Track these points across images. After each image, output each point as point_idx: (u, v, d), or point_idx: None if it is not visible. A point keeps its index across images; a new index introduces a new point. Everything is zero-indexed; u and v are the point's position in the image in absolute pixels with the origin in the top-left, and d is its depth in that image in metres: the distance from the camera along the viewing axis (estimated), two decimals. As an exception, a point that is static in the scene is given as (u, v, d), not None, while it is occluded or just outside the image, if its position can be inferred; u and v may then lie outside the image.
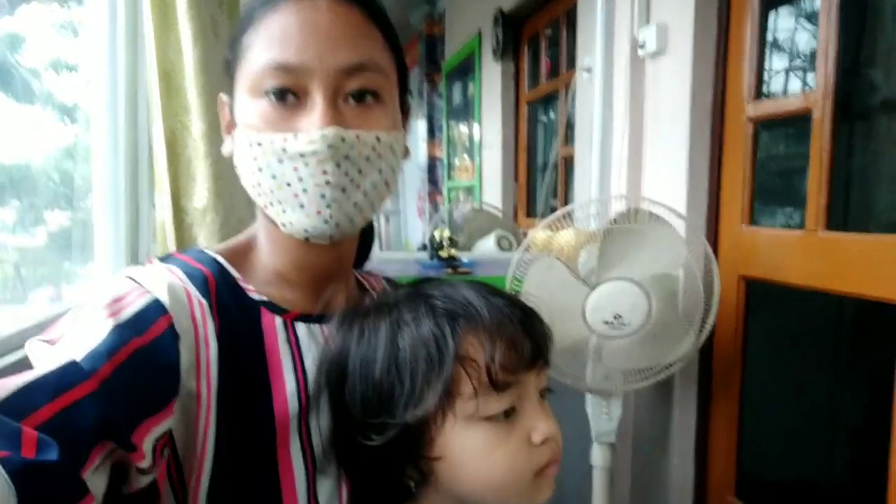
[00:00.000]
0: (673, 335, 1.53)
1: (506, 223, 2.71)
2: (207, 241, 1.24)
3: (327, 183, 0.61)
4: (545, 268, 1.53)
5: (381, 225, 4.84)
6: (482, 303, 0.61)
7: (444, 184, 4.62)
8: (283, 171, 0.61)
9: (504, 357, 0.58)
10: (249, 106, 0.63)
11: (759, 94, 1.69)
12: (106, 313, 0.56)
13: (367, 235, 0.85)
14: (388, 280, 0.84)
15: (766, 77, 1.74)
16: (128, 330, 0.55)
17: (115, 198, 1.23)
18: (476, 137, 3.85)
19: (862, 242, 1.41)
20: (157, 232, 1.26)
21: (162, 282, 0.61)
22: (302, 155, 0.60)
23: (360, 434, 0.60)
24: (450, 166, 4.56)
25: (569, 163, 2.78)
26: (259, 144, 0.62)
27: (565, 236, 1.94)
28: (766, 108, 1.66)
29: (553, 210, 2.88)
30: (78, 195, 1.64)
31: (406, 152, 0.72)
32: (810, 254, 1.51)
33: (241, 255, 0.70)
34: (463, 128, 4.40)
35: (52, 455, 0.43)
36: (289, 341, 0.65)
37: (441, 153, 4.73)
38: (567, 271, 1.52)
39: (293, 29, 0.61)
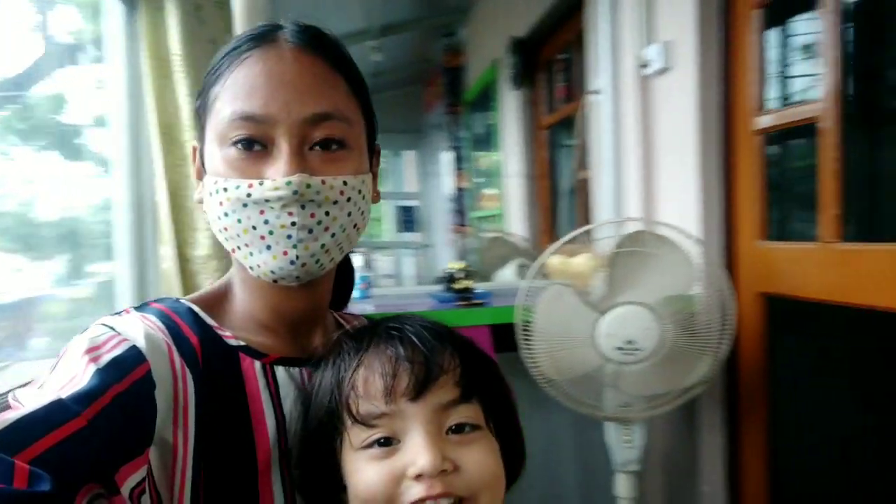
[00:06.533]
0: (690, 358, 1.49)
1: (526, 250, 2.69)
2: (211, 287, 1.27)
3: (293, 224, 0.62)
4: (554, 295, 1.51)
5: (413, 259, 4.87)
6: (384, 336, 0.63)
7: (470, 213, 4.63)
8: (248, 214, 0.63)
9: (367, 389, 0.59)
10: (217, 154, 0.65)
11: (765, 106, 1.66)
12: (86, 359, 0.57)
13: (346, 278, 0.85)
14: (368, 319, 0.84)
15: (772, 89, 1.71)
16: (108, 375, 0.56)
17: (126, 249, 1.27)
18: (499, 166, 3.87)
19: (881, 252, 1.36)
20: (161, 282, 1.30)
21: (139, 330, 0.61)
22: (267, 200, 0.62)
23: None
24: (476, 196, 4.57)
25: (589, 187, 2.75)
26: (224, 190, 0.64)
27: (581, 261, 1.92)
28: (773, 120, 1.63)
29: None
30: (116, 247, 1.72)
31: (376, 196, 0.72)
32: (828, 267, 1.46)
33: (216, 302, 0.71)
34: (487, 157, 4.42)
35: (45, 487, 0.45)
36: (268, 385, 0.67)
37: (467, 184, 4.75)
38: (576, 298, 1.50)
39: (259, 80, 0.63)
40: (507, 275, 2.33)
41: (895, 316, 1.35)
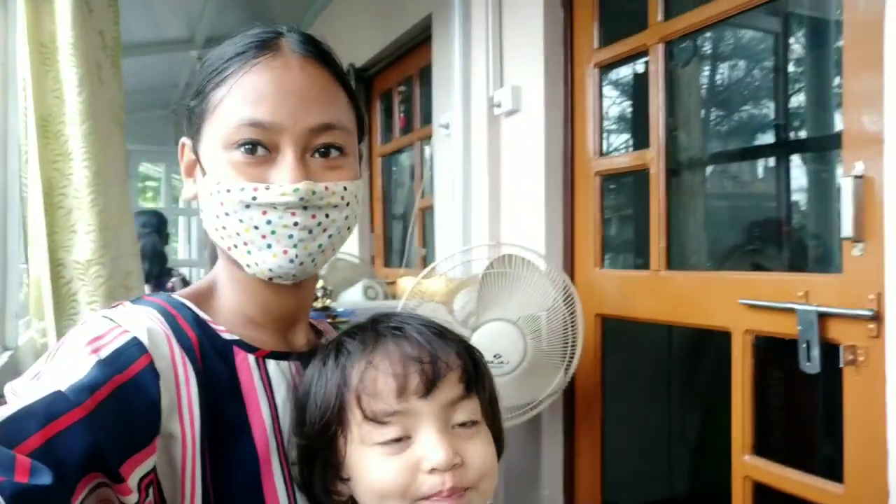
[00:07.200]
0: (544, 371, 1.66)
1: (368, 272, 2.75)
2: (90, 297, 1.16)
3: (295, 224, 0.65)
4: (428, 314, 1.59)
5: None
6: (388, 335, 0.66)
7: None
8: (250, 215, 0.64)
9: (378, 388, 0.62)
10: (220, 156, 0.66)
11: (602, 151, 1.91)
12: (87, 350, 0.57)
13: None
14: (332, 325, 0.88)
15: (607, 136, 1.98)
16: (109, 366, 0.56)
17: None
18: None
19: (691, 279, 1.64)
20: (31, 287, 1.16)
21: (140, 322, 0.62)
22: (272, 204, 0.64)
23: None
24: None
25: (426, 213, 2.90)
26: (228, 191, 0.65)
27: (434, 284, 2.04)
28: (609, 163, 1.88)
29: (419, 258, 2.98)
30: None
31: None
32: (653, 291, 1.72)
33: (205, 299, 0.71)
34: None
35: (46, 479, 0.46)
36: (262, 378, 0.68)
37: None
38: (449, 315, 1.60)
39: (267, 88, 0.65)
40: (353, 295, 2.37)
41: (704, 332, 1.64)
